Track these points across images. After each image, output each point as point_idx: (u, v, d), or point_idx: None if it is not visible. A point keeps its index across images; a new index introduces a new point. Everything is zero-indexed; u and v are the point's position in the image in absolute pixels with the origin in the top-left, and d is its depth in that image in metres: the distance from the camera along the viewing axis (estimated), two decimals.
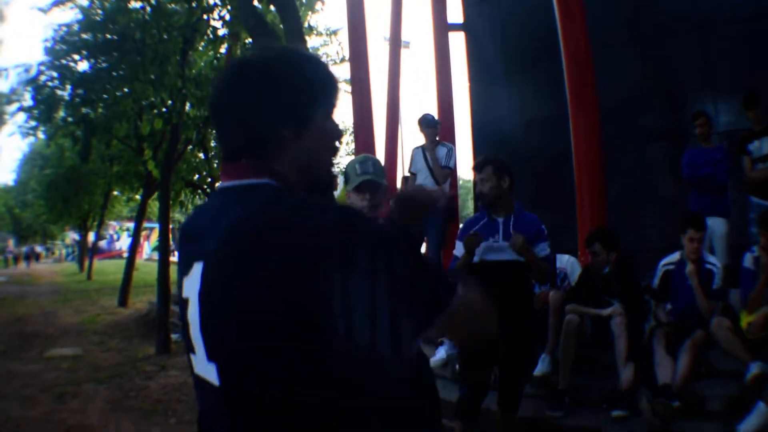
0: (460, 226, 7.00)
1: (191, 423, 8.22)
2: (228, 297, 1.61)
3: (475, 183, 11.99)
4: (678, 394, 6.22)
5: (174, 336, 14.37)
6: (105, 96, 13.49)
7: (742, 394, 6.13)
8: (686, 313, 7.01)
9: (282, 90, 1.76)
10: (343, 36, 19.86)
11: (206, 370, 1.71)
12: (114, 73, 13.15)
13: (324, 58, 21.61)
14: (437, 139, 10.30)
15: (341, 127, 1.99)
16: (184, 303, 1.76)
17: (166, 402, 9.50)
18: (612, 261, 7.43)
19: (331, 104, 1.89)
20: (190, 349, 1.78)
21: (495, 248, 5.88)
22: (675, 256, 7.36)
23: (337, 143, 1.92)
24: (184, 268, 1.79)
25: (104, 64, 13.41)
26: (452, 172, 10.17)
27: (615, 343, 6.86)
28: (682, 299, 7.13)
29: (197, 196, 24.30)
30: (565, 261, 8.70)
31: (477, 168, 5.98)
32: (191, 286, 1.72)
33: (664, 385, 6.33)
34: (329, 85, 1.89)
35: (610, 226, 9.06)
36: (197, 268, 1.70)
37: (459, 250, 6.10)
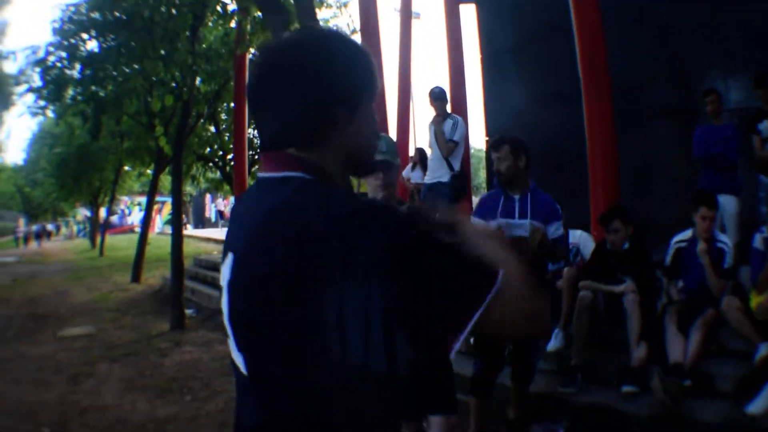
0: (474, 200, 7.00)
1: (206, 400, 8.31)
2: (252, 290, 1.63)
3: (488, 155, 12.01)
4: (689, 373, 6.26)
5: (188, 311, 14.43)
6: (114, 74, 13.48)
7: (752, 374, 6.16)
8: (697, 291, 7.04)
9: (339, 70, 1.74)
10: (354, 8, 19.84)
11: (237, 358, 1.73)
12: (123, 50, 13.13)
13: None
14: (448, 111, 10.31)
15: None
16: (221, 290, 1.77)
17: (181, 379, 9.55)
18: (630, 235, 7.42)
19: (373, 87, 1.87)
20: (227, 334, 1.80)
21: (511, 225, 5.91)
22: (687, 234, 7.36)
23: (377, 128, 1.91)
24: (222, 256, 1.81)
25: (113, 43, 13.39)
26: (457, 145, 10.14)
27: (627, 320, 6.89)
28: (693, 277, 7.15)
29: (208, 170, 24.41)
30: (578, 236, 8.71)
31: (494, 146, 6.01)
32: (224, 275, 1.75)
33: (676, 363, 6.36)
34: (371, 66, 1.87)
35: (622, 201, 9.08)
36: (230, 258, 1.73)
37: None
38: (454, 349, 1.63)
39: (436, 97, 10.20)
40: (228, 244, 1.79)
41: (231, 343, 1.76)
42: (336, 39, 1.81)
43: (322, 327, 1.50)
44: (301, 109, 1.72)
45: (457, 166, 10.07)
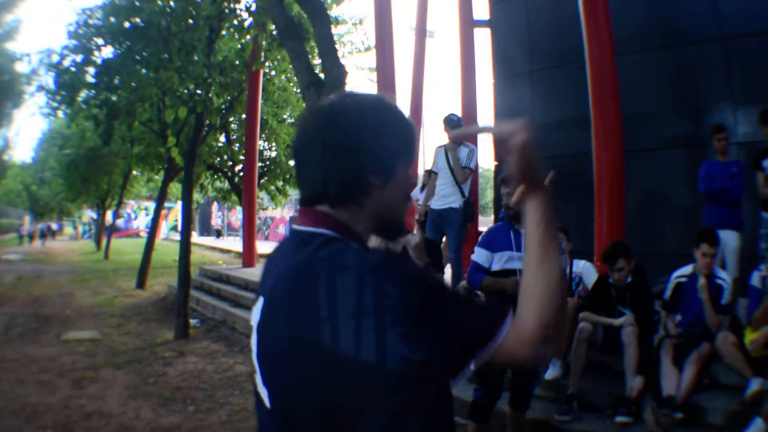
0: (480, 229, 7.07)
1: (210, 411, 8.40)
2: (274, 333, 1.79)
3: (496, 177, 12.04)
4: (681, 406, 6.42)
5: (193, 321, 14.47)
6: (129, 82, 13.53)
7: (742, 408, 6.30)
8: (694, 325, 7.18)
9: (377, 138, 1.83)
10: (369, 24, 19.95)
11: (262, 391, 1.88)
12: (138, 57, 13.21)
13: (349, 46, 21.81)
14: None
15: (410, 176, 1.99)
16: (251, 329, 1.91)
17: (185, 389, 9.64)
18: (632, 270, 7.52)
19: (411, 154, 1.96)
20: (254, 369, 1.93)
21: (516, 258, 6.05)
22: (688, 269, 7.51)
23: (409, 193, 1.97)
24: (255, 298, 1.95)
25: (128, 50, 13.46)
26: (473, 172, 10.21)
27: (624, 352, 7.00)
28: (691, 311, 7.29)
29: (217, 179, 24.45)
30: (581, 266, 8.77)
31: (504, 181, 6.11)
32: (255, 315, 1.89)
33: (669, 396, 6.51)
34: (410, 134, 1.95)
35: (627, 231, 9.21)
36: (260, 302, 1.87)
37: (479, 256, 6.25)
38: (458, 381, 1.78)
39: (453, 125, 10.20)
40: (260, 288, 1.93)
41: (257, 377, 1.90)
42: (373, 108, 1.90)
43: (337, 372, 1.64)
44: (335, 174, 1.83)
45: (467, 191, 10.14)
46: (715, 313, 7.02)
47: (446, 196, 10.12)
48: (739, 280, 8.20)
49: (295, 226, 1.93)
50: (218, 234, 59.94)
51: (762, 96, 10.28)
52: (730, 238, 8.72)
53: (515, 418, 6.51)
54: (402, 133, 1.92)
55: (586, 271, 8.73)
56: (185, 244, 14.61)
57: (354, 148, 1.82)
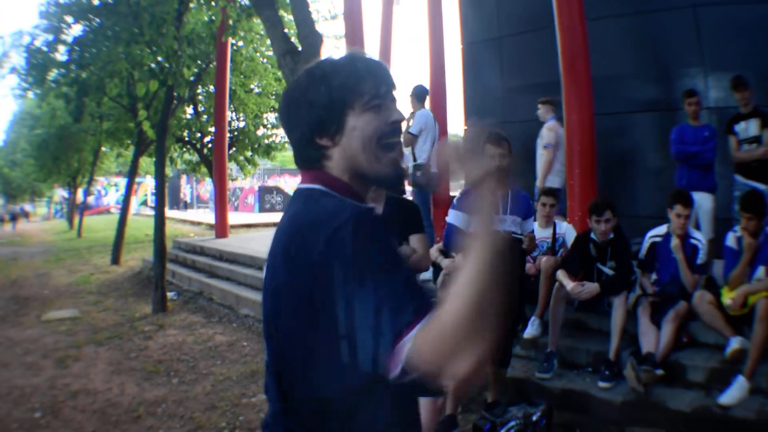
0: (453, 193, 7.14)
1: (194, 383, 8.46)
2: (268, 284, 1.93)
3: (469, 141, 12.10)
4: (660, 364, 6.55)
5: (169, 294, 14.50)
6: (99, 58, 13.47)
7: (722, 366, 6.46)
8: (670, 284, 7.30)
9: (316, 101, 1.89)
10: None
11: (265, 346, 2.01)
12: (108, 33, 13.14)
13: (315, 15, 21.71)
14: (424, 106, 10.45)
15: (396, 111, 1.97)
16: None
17: (167, 362, 9.70)
18: (614, 227, 7.57)
19: (365, 96, 1.89)
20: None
21: (500, 219, 6.12)
22: (662, 229, 7.60)
23: (383, 132, 1.92)
24: None
25: (99, 27, 13.40)
26: (414, 138, 10.20)
27: (612, 314, 7.11)
28: (666, 271, 7.41)
29: (186, 152, 24.36)
30: (564, 227, 8.84)
31: (496, 141, 6.09)
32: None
33: (648, 353, 6.63)
34: (361, 76, 1.91)
35: (599, 192, 9.30)
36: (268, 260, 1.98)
37: (456, 218, 6.28)
38: (393, 373, 1.57)
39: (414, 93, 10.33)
40: None
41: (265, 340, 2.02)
42: (316, 71, 1.96)
43: (320, 322, 1.71)
44: (292, 143, 2.01)
45: (422, 157, 10.14)
46: (690, 272, 7.17)
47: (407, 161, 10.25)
48: (714, 241, 8.34)
49: (298, 185, 2.02)
50: (186, 205, 59.35)
51: (732, 63, 10.39)
52: (703, 200, 8.82)
53: (496, 375, 6.63)
54: (349, 81, 1.90)
55: (568, 232, 8.81)
56: (160, 218, 14.53)
57: (294, 116, 1.96)
